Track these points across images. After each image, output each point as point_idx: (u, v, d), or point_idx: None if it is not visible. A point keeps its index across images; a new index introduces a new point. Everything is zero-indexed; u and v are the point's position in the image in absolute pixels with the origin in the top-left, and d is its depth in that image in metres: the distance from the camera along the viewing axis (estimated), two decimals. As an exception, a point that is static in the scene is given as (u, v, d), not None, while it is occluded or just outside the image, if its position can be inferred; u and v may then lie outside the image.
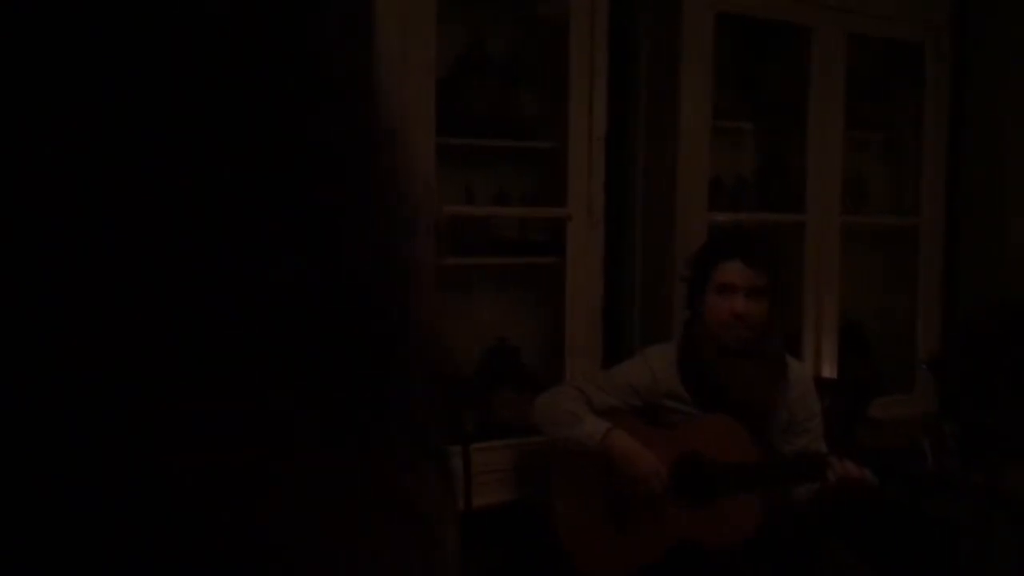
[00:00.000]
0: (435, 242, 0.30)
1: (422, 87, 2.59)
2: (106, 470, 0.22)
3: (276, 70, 0.25)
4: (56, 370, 0.22)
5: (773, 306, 2.44)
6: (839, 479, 2.28)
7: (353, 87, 0.28)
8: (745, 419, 2.41)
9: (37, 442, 0.22)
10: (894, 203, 3.94)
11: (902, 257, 3.85)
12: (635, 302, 3.20)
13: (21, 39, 0.22)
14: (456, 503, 0.32)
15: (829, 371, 3.47)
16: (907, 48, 3.73)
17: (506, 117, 3.02)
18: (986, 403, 3.27)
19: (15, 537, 0.22)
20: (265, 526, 0.24)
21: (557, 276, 3.00)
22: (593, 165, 2.95)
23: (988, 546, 3.07)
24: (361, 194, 0.26)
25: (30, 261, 0.22)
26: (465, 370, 2.93)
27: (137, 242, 0.22)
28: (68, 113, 0.22)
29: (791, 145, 3.55)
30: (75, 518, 0.22)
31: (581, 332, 2.97)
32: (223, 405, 0.23)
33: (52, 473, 0.22)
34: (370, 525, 0.26)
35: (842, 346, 3.56)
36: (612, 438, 2.37)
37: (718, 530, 2.38)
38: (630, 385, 2.49)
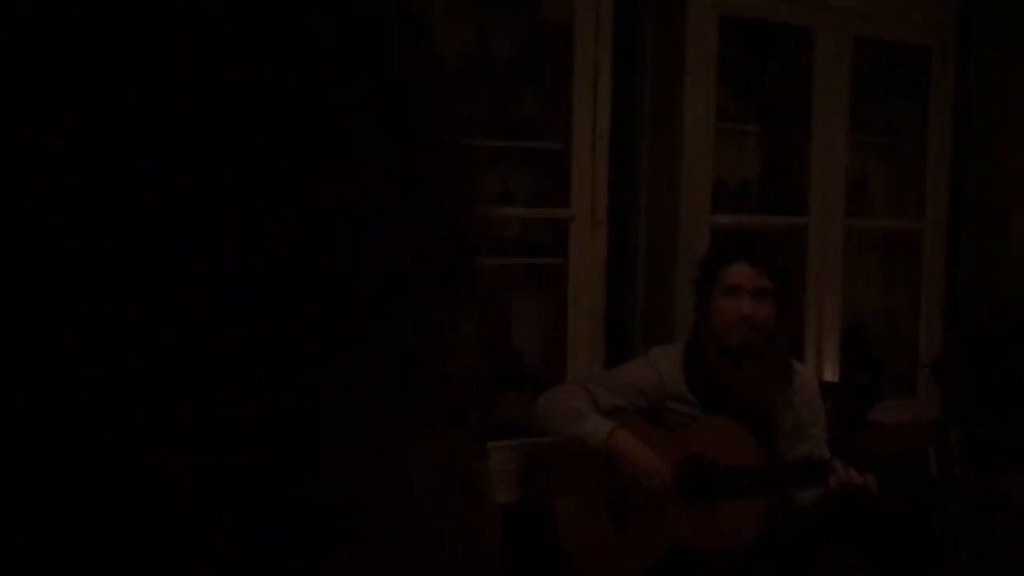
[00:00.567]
0: (474, 244, 0.30)
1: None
2: (106, 470, 0.22)
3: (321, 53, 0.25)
4: (56, 370, 0.22)
5: (779, 309, 2.44)
6: (841, 485, 2.27)
7: (404, 87, 0.27)
8: (750, 422, 2.40)
9: (37, 442, 0.22)
10: (897, 206, 3.94)
11: (904, 260, 3.85)
12: (637, 304, 3.20)
13: (21, 37, 0.22)
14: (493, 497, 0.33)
15: (831, 374, 3.46)
16: (911, 51, 3.72)
17: (509, 117, 3.02)
18: (988, 407, 3.26)
19: (15, 537, 0.22)
20: (265, 526, 0.24)
21: (559, 277, 3.00)
22: (596, 166, 2.95)
23: (989, 550, 3.07)
24: (384, 193, 0.26)
25: (30, 261, 0.22)
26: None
27: (137, 241, 0.22)
28: (68, 105, 0.22)
29: (794, 147, 3.54)
30: (75, 518, 0.22)
31: (583, 333, 2.97)
32: (223, 405, 0.23)
33: (52, 473, 0.22)
34: (370, 525, 0.26)
35: (844, 349, 3.56)
36: (616, 437, 2.37)
37: (718, 533, 2.37)
38: (636, 386, 2.48)
